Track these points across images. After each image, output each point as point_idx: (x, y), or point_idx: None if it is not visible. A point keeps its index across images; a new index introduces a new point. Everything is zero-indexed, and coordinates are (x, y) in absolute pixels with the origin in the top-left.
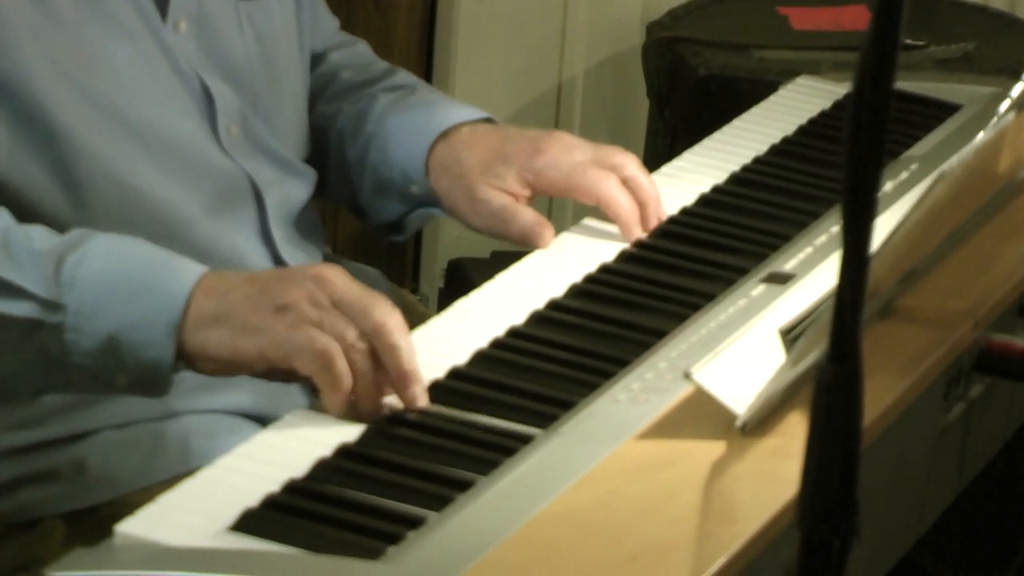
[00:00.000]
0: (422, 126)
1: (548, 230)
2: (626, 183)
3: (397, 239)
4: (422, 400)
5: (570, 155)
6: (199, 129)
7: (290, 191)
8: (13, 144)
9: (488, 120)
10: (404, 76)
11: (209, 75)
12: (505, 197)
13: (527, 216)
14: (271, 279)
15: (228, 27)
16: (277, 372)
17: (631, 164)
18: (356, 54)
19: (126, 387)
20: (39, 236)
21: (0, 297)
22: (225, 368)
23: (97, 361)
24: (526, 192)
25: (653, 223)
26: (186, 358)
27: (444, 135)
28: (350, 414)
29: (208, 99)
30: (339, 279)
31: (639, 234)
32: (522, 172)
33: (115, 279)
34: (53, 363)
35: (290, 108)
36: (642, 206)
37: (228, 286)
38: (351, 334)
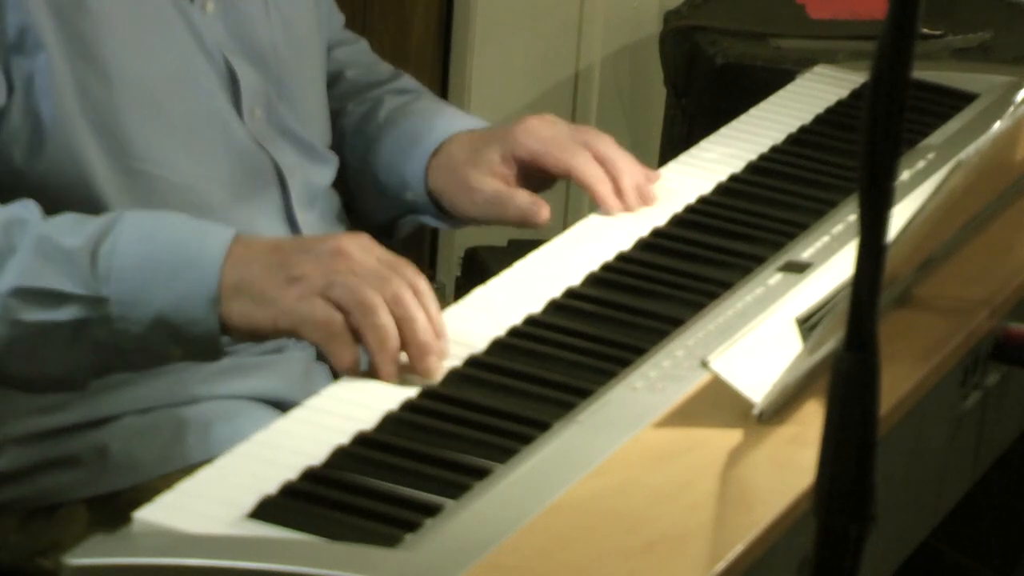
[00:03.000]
0: (424, 133)
1: (544, 208)
2: (599, 159)
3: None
4: (435, 373)
5: (549, 127)
6: (224, 110)
7: (313, 175)
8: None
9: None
10: (408, 80)
11: (235, 57)
12: (498, 183)
13: (523, 197)
14: (292, 249)
15: (255, 10)
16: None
17: (605, 142)
18: (360, 52)
19: (182, 358)
20: (67, 231)
21: (46, 306)
22: (248, 337)
23: (149, 342)
24: (511, 170)
25: (631, 196)
26: (221, 327)
27: (444, 142)
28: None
29: (233, 81)
30: (358, 251)
31: (617, 207)
32: (502, 145)
33: (150, 262)
34: (108, 351)
35: (312, 93)
36: (614, 180)
37: (251, 255)
38: (366, 293)
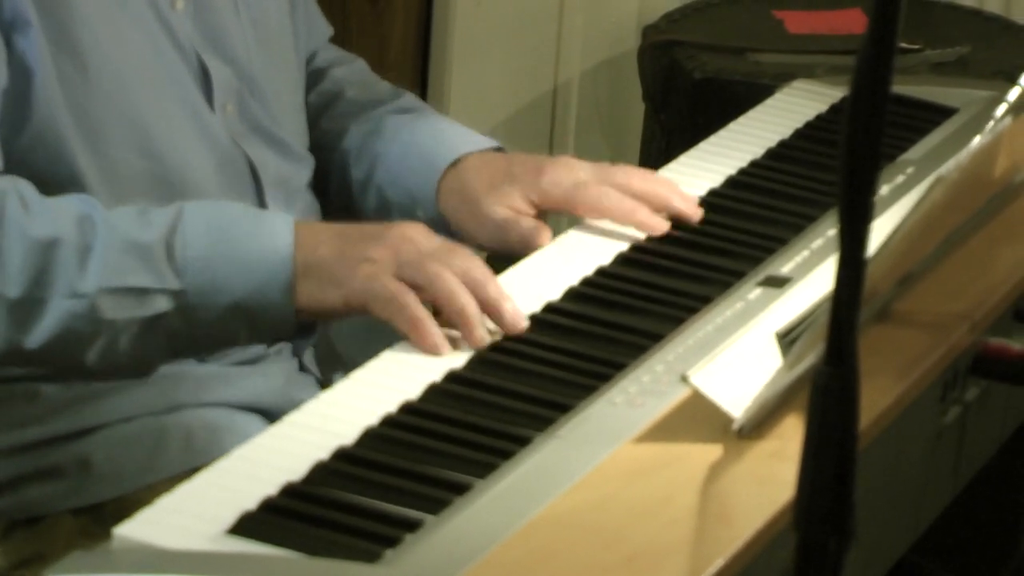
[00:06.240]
0: (433, 153)
1: (545, 232)
2: (638, 197)
3: None
4: (521, 320)
5: (572, 174)
6: (197, 104)
7: (287, 174)
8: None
9: (498, 149)
10: (411, 99)
11: (206, 53)
12: (508, 211)
13: (526, 223)
14: (359, 237)
15: (224, 9)
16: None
17: (635, 177)
18: (357, 71)
19: (249, 340)
20: (136, 225)
21: (131, 303)
22: (314, 316)
23: (222, 328)
24: (531, 211)
25: (692, 211)
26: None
27: (454, 163)
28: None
29: (205, 76)
30: (421, 237)
31: (661, 225)
32: (526, 190)
33: (221, 253)
34: (180, 339)
35: (286, 94)
36: (664, 209)
37: (317, 240)
38: (434, 267)
